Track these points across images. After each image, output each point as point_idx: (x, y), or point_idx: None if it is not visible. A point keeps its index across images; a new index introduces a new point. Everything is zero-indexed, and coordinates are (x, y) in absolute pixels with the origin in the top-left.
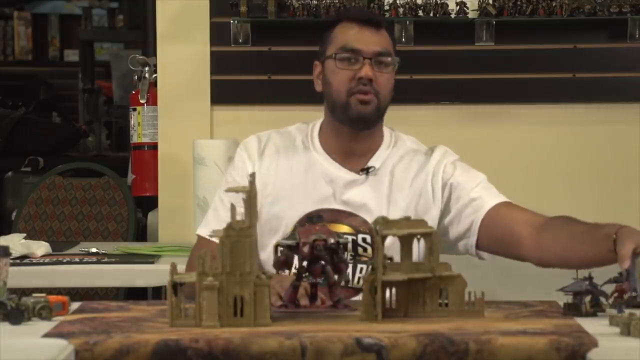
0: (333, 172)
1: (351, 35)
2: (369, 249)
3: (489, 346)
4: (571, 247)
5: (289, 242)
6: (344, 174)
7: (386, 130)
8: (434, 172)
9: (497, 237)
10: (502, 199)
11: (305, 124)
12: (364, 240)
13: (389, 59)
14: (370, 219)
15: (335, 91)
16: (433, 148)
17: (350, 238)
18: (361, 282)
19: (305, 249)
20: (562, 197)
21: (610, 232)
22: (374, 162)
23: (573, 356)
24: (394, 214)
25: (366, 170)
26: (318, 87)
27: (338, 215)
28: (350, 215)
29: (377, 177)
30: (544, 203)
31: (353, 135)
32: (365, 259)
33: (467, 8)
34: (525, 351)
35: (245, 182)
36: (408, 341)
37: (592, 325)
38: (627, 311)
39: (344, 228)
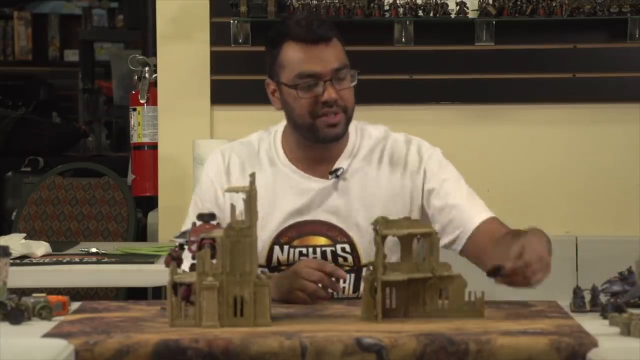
0: (302, 183)
1: (304, 58)
2: (349, 258)
3: (489, 346)
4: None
5: (180, 240)
6: (314, 184)
7: (350, 126)
8: (412, 172)
9: (473, 255)
10: (484, 215)
11: (267, 132)
12: (343, 250)
13: (346, 70)
14: (346, 227)
15: (299, 115)
16: (409, 142)
17: (328, 250)
18: (346, 292)
19: (194, 247)
20: (561, 197)
21: (521, 234)
22: (341, 162)
23: (573, 356)
24: (371, 216)
25: (335, 174)
26: (276, 105)
27: (314, 227)
28: (326, 225)
29: (347, 181)
30: (544, 203)
31: (321, 147)
32: (347, 268)
33: (467, 8)
34: (525, 351)
35: (212, 208)
36: (408, 341)
37: (592, 325)
38: (628, 311)
39: (321, 240)
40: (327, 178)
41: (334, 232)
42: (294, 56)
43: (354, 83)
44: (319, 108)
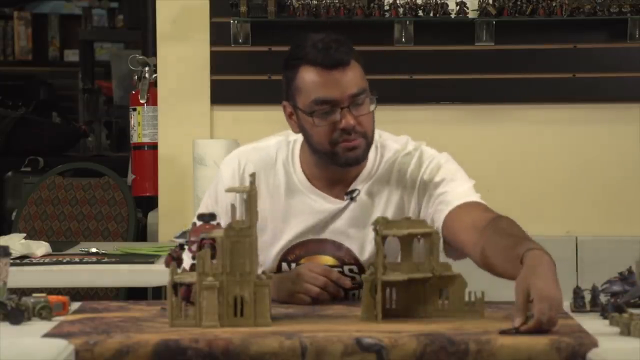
0: (316, 202)
1: (320, 83)
2: (358, 277)
3: (489, 346)
4: (495, 261)
5: (180, 240)
6: (329, 205)
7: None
8: (410, 185)
9: (449, 240)
10: (462, 199)
11: (286, 142)
12: (350, 270)
13: (364, 95)
14: (354, 248)
15: (318, 142)
16: (414, 154)
17: (335, 270)
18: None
19: (194, 247)
20: (561, 197)
21: (520, 254)
22: (358, 183)
23: (573, 356)
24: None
25: (350, 195)
26: (294, 128)
27: (322, 246)
28: (334, 245)
29: (360, 203)
30: (544, 203)
31: (339, 168)
32: (355, 286)
33: (467, 8)
34: (525, 351)
35: (222, 214)
36: (408, 341)
37: (592, 325)
38: (628, 311)
39: (328, 260)
40: (343, 198)
41: (341, 253)
42: (310, 81)
43: (373, 108)
44: (337, 135)
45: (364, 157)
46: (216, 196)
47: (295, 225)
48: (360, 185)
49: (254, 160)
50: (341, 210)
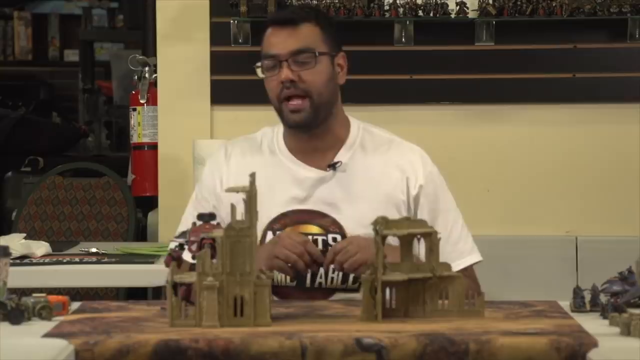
0: (299, 172)
1: (269, 40)
2: None
3: (489, 346)
4: None
5: (180, 240)
6: (311, 173)
7: (353, 123)
8: (410, 181)
9: None
10: (466, 262)
11: (270, 128)
12: (334, 240)
13: (309, 54)
14: (339, 218)
15: (270, 98)
16: (413, 150)
17: (320, 238)
18: (334, 282)
19: (194, 247)
20: (561, 198)
21: None
22: (340, 156)
23: (573, 356)
24: (364, 211)
25: (333, 166)
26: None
27: (307, 216)
28: (319, 214)
29: (347, 173)
30: (544, 203)
31: (308, 135)
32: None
33: (467, 8)
34: (525, 351)
35: (209, 197)
36: (408, 341)
37: (592, 325)
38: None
39: (313, 229)
40: (325, 169)
41: (326, 222)
42: (266, 38)
43: (316, 66)
44: (280, 90)
45: (310, 120)
46: (201, 187)
47: (280, 194)
48: (345, 156)
49: (240, 145)
50: (324, 180)
